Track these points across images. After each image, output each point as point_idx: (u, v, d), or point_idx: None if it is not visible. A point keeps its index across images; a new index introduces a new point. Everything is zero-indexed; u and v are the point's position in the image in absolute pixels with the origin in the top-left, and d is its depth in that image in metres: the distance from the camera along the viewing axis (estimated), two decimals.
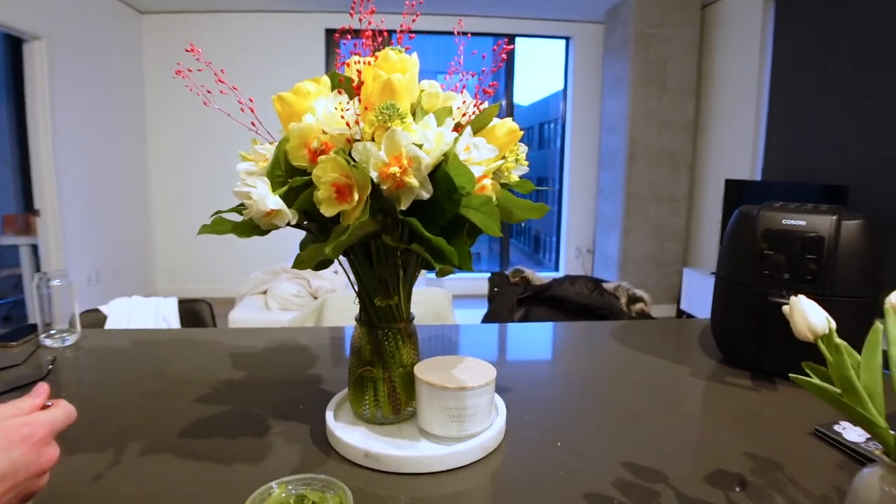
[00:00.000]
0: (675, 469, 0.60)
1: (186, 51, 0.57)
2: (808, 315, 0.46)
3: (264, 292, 2.78)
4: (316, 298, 2.75)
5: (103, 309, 1.51)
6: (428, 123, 0.50)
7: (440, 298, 1.80)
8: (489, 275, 2.01)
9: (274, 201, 0.50)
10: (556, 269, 5.69)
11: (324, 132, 0.53)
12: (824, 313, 0.48)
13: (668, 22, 4.31)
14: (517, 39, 5.24)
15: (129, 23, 4.60)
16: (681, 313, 4.27)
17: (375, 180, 0.48)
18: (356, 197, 0.47)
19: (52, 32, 3.51)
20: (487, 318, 1.74)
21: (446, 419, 0.61)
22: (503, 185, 0.59)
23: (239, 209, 0.56)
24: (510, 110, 5.39)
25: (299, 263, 0.53)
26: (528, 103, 9.09)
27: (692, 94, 4.42)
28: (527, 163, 0.60)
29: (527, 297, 1.68)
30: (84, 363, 0.96)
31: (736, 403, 0.78)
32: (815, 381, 0.45)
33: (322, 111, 0.53)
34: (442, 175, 0.50)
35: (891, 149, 2.85)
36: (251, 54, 4.86)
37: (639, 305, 1.57)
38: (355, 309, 0.67)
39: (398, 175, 0.47)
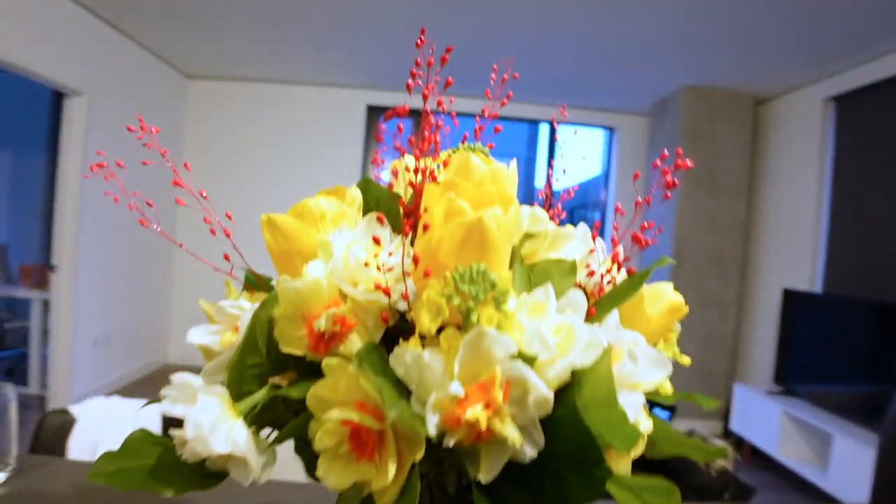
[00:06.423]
0: None
1: (128, 129, 0.35)
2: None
3: None
4: None
5: (73, 410, 1.27)
6: (541, 303, 0.26)
7: None
8: None
9: (225, 440, 0.25)
10: None
11: (341, 293, 0.29)
12: None
13: (719, 118, 4.17)
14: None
15: (176, 86, 4.68)
16: (728, 433, 3.79)
17: (435, 430, 0.23)
18: (390, 466, 0.22)
19: (93, 89, 3.52)
20: None
21: None
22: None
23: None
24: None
25: None
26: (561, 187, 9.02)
27: (744, 194, 4.19)
28: (687, 360, 0.34)
29: None
30: None
31: None
32: None
33: (343, 255, 0.30)
34: (567, 417, 0.24)
35: None
36: (296, 127, 4.89)
37: (718, 463, 1.23)
38: None
39: (484, 422, 0.22)
